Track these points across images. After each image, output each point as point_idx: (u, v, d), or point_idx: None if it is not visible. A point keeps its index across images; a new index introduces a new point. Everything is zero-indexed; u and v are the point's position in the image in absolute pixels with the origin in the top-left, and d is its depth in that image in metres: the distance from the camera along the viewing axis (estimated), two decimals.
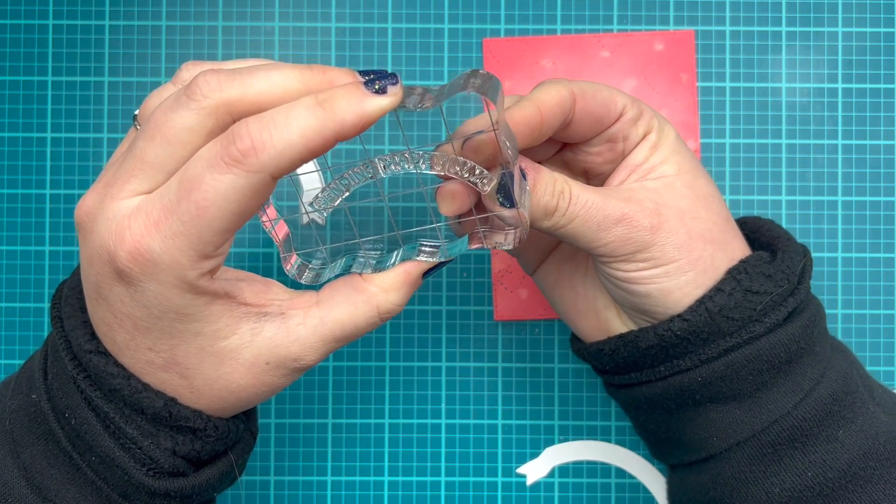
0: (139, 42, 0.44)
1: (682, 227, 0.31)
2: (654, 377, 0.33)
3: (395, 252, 0.31)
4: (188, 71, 0.30)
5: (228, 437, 0.31)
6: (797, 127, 0.44)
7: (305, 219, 0.42)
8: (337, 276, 0.31)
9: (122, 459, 0.29)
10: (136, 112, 0.31)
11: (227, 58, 0.44)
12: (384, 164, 0.29)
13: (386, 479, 0.44)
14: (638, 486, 0.44)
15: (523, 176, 0.30)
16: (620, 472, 0.44)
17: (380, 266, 0.31)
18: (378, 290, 0.30)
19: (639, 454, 0.44)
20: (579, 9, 0.44)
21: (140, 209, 0.26)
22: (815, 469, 0.31)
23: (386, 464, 0.44)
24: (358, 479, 0.44)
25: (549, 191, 0.30)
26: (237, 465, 0.32)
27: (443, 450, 0.44)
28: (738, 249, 0.32)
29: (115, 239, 0.26)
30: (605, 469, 0.44)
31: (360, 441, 0.44)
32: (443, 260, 0.31)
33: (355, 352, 0.44)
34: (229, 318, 0.29)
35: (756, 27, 0.44)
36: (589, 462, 0.44)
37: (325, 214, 0.31)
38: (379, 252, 0.32)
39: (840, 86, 0.44)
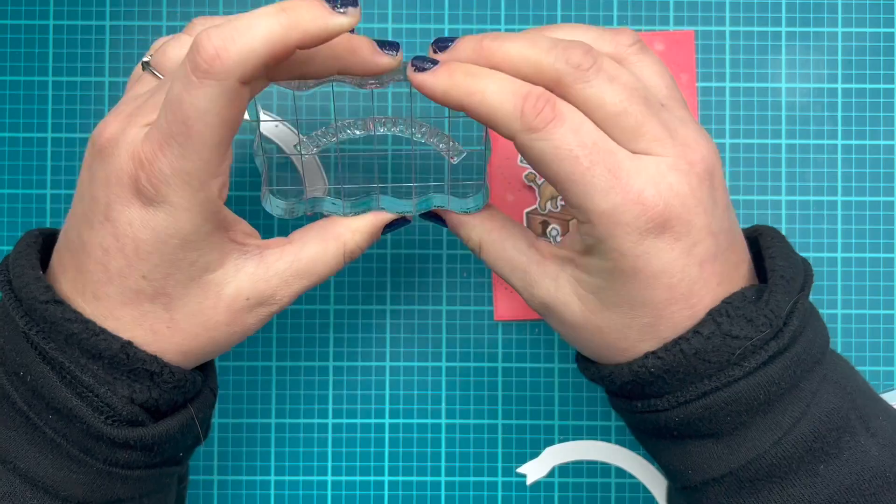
0: (139, 42, 0.44)
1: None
2: (632, 409, 0.32)
3: (370, 201, 0.35)
4: (201, 24, 0.33)
5: (186, 386, 0.32)
6: (797, 127, 0.44)
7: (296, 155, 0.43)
8: (307, 216, 0.35)
9: (79, 409, 0.29)
10: (147, 59, 0.33)
11: None
12: (374, 123, 0.33)
13: (386, 479, 0.44)
14: (638, 486, 0.44)
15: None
16: (620, 472, 0.44)
17: (353, 210, 0.34)
18: (346, 231, 0.33)
19: (639, 454, 0.44)
20: (579, 9, 0.44)
21: (148, 136, 0.29)
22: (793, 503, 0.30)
23: (386, 464, 0.44)
24: (358, 478, 0.44)
25: (466, 239, 0.35)
26: (200, 423, 0.33)
27: (443, 450, 0.44)
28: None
29: (135, 161, 0.28)
30: (605, 469, 0.44)
31: (360, 441, 0.44)
32: (405, 215, 0.34)
33: (356, 352, 0.44)
34: (220, 252, 0.31)
35: (756, 27, 0.44)
36: (589, 462, 0.44)
37: (310, 153, 0.34)
38: (355, 199, 0.35)
39: (840, 86, 0.44)
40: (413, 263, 0.44)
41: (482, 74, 0.29)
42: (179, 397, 0.32)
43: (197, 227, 0.29)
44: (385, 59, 0.31)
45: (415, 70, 0.30)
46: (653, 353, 0.30)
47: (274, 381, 0.44)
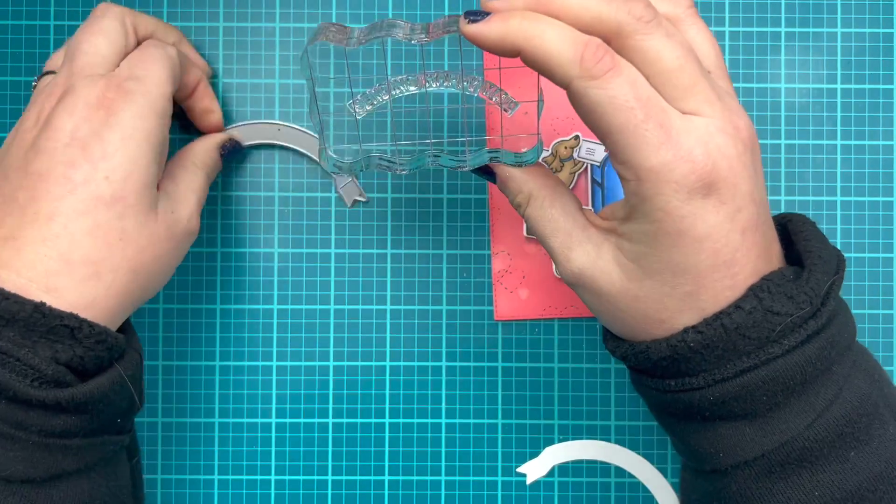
0: None
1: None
2: (664, 388, 0.32)
3: (423, 158, 0.36)
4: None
5: (108, 341, 0.32)
6: (796, 127, 0.44)
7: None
8: (360, 170, 0.36)
9: (2, 377, 0.29)
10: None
11: (228, 59, 0.44)
12: (427, 78, 0.33)
13: (386, 478, 0.44)
14: (638, 486, 0.44)
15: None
16: (620, 472, 0.44)
17: (407, 168, 0.35)
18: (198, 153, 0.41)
19: (639, 454, 0.44)
20: None
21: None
22: (823, 489, 0.30)
23: (386, 464, 0.44)
24: (358, 478, 0.44)
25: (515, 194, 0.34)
26: (133, 385, 0.33)
27: (443, 450, 0.44)
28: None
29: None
30: (605, 469, 0.44)
31: (360, 441, 0.44)
32: (236, 141, 0.42)
33: (356, 352, 0.44)
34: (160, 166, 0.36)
35: (755, 28, 0.44)
36: (589, 462, 0.44)
37: (365, 111, 0.35)
38: (410, 157, 0.36)
39: (839, 86, 0.44)
40: (413, 263, 0.44)
41: (540, 20, 0.29)
42: (104, 354, 0.32)
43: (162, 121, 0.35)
44: None
45: (468, 22, 0.30)
46: (693, 327, 0.30)
47: (274, 380, 0.44)
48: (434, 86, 0.33)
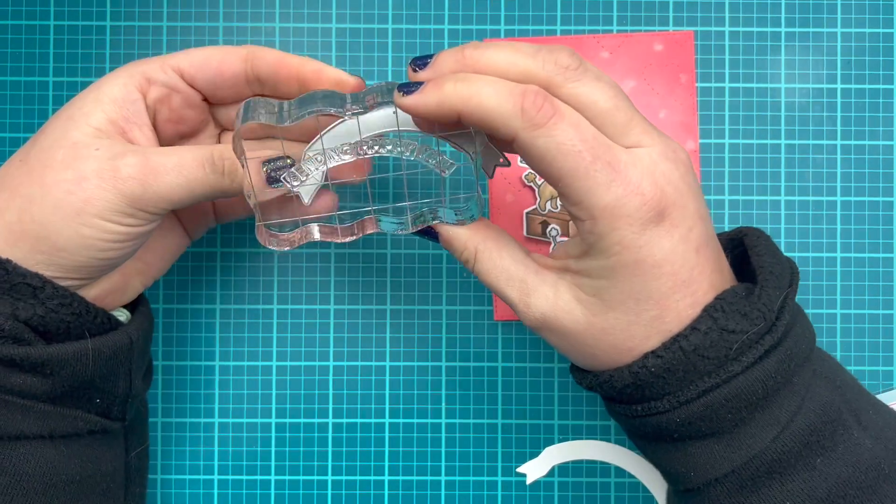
0: (140, 42, 0.44)
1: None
2: (632, 414, 0.32)
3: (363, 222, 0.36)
4: None
5: (74, 305, 0.32)
6: (796, 127, 0.44)
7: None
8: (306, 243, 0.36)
9: None
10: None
11: None
12: (363, 146, 0.33)
13: (386, 478, 0.44)
14: (638, 486, 0.44)
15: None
16: (620, 472, 0.44)
17: (349, 234, 0.35)
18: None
19: (639, 454, 0.44)
20: (579, 9, 0.44)
21: None
22: (794, 499, 0.30)
23: (386, 464, 0.44)
24: (358, 478, 0.44)
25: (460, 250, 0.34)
26: (112, 366, 0.33)
27: (443, 450, 0.44)
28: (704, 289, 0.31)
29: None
30: (605, 469, 0.44)
31: (360, 441, 0.44)
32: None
33: (356, 352, 0.44)
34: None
35: (755, 28, 0.44)
36: (588, 462, 0.44)
37: (303, 182, 0.34)
38: (350, 222, 0.36)
39: (839, 86, 0.44)
40: (413, 263, 0.44)
41: (473, 79, 0.30)
42: (71, 320, 0.32)
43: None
44: (351, 80, 0.35)
45: (402, 94, 0.30)
46: (652, 352, 0.31)
47: (274, 380, 0.44)
48: (370, 153, 0.33)
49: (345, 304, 0.44)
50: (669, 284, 0.30)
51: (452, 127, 0.31)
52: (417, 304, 0.44)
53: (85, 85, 0.44)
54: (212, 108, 0.37)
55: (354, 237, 0.35)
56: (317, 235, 0.35)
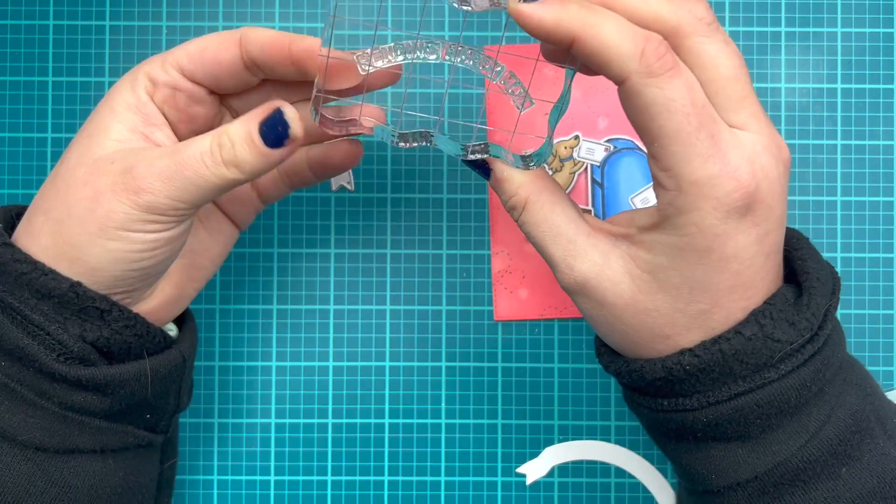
0: (139, 42, 0.44)
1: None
2: (657, 408, 0.31)
3: (423, 133, 0.33)
4: None
5: (137, 327, 0.32)
6: (796, 127, 0.44)
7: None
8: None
9: (31, 348, 0.30)
10: None
11: None
12: (450, 51, 0.30)
13: (386, 478, 0.44)
14: (638, 486, 0.44)
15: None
16: (620, 472, 0.44)
17: (401, 140, 0.32)
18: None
19: (639, 454, 0.44)
20: None
21: None
22: None
23: (386, 464, 0.44)
24: (358, 478, 0.44)
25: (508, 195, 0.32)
26: (165, 385, 0.33)
27: (443, 450, 0.44)
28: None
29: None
30: (605, 469, 0.44)
31: (360, 441, 0.44)
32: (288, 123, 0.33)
33: (356, 352, 0.44)
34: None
35: (756, 27, 0.44)
36: (589, 462, 0.44)
37: (373, 67, 0.31)
38: (408, 130, 0.33)
39: (839, 86, 0.44)
40: (413, 263, 0.44)
41: (598, 10, 0.27)
42: (133, 340, 0.32)
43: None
44: None
45: (522, 0, 0.27)
46: (690, 350, 0.29)
47: (274, 380, 0.44)
48: (455, 61, 0.30)
49: (345, 304, 0.44)
50: (731, 282, 0.29)
51: (556, 55, 0.29)
52: (417, 305, 0.44)
53: (84, 85, 0.44)
54: (225, 101, 0.36)
55: (407, 145, 0.32)
56: (375, 132, 0.33)
